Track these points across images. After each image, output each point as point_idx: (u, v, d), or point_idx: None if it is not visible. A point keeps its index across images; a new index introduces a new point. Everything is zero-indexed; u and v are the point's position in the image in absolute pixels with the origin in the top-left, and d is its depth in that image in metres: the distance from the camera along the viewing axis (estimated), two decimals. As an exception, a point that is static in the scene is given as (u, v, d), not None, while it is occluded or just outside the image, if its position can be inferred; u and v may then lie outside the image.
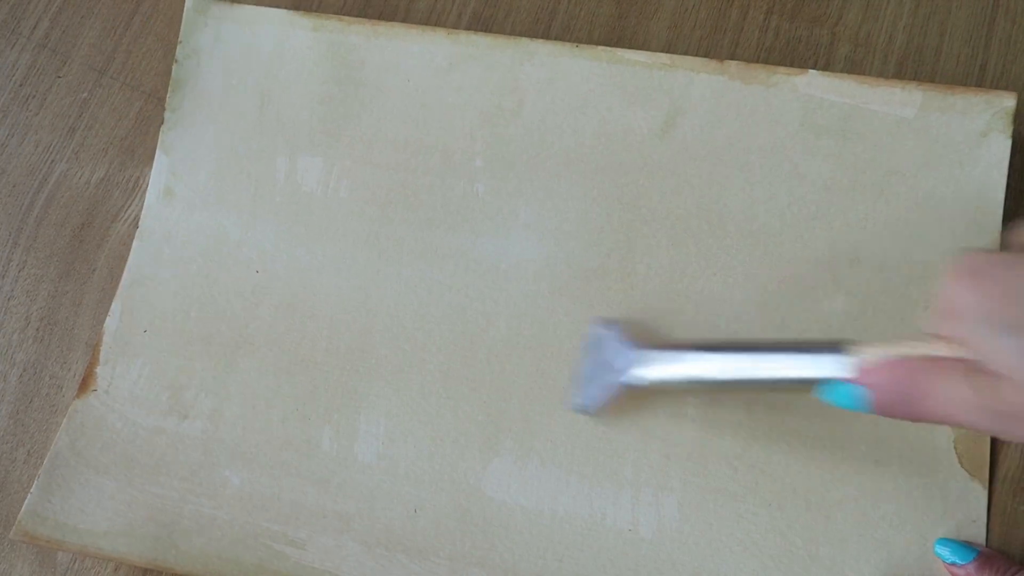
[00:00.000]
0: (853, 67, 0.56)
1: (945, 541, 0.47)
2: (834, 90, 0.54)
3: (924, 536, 0.48)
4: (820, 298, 0.51)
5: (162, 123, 0.60)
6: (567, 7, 0.60)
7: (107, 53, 0.64)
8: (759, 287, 0.52)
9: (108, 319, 0.57)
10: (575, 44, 0.58)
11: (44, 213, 0.60)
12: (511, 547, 0.50)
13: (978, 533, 0.48)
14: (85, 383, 0.56)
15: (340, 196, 0.57)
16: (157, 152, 0.60)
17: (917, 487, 0.49)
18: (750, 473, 0.50)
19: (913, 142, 0.52)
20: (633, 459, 0.51)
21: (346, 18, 0.60)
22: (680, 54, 0.57)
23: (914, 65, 0.56)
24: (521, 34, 0.59)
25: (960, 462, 0.49)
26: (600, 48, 0.57)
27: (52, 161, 0.62)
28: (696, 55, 0.57)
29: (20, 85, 0.63)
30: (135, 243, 0.58)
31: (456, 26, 0.60)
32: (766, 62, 0.57)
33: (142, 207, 0.59)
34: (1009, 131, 0.51)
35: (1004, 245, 0.38)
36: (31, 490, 0.53)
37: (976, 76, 0.55)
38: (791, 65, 0.56)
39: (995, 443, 0.49)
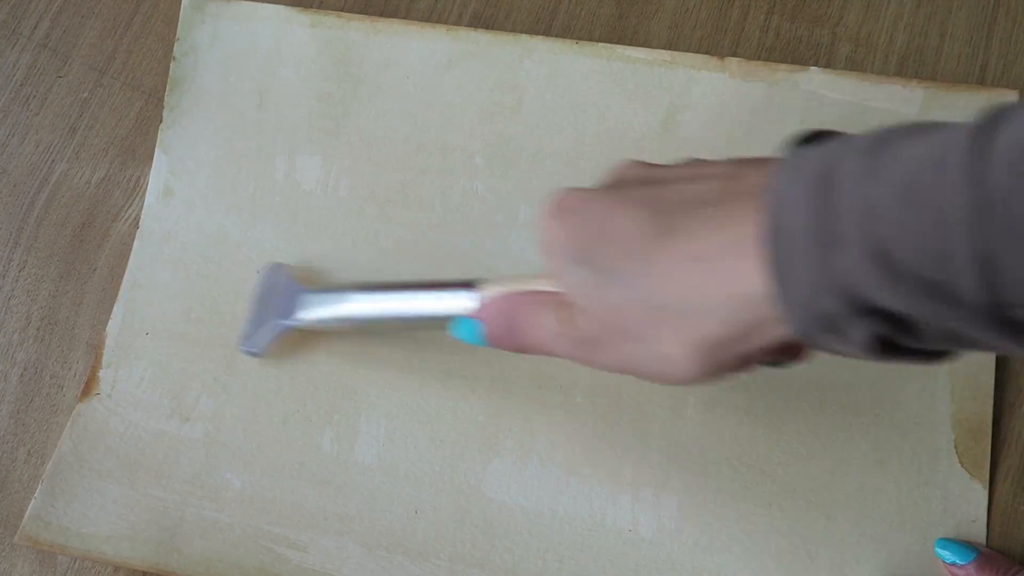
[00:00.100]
0: (854, 67, 0.56)
1: (945, 541, 0.47)
2: (836, 88, 0.54)
3: (924, 536, 0.48)
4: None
5: (160, 122, 0.60)
6: (568, 7, 0.60)
7: (107, 53, 0.63)
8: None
9: (110, 322, 0.57)
10: (575, 41, 0.57)
11: (45, 213, 0.60)
12: (511, 548, 0.50)
13: (978, 533, 0.48)
14: (88, 387, 0.56)
15: (339, 195, 0.57)
16: (156, 151, 0.60)
17: (917, 487, 0.49)
18: (750, 473, 0.50)
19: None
20: (633, 459, 0.51)
21: (345, 14, 0.60)
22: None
23: (915, 65, 0.56)
24: (521, 33, 0.59)
25: (960, 462, 0.49)
26: (600, 45, 0.57)
27: (53, 161, 0.62)
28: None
29: (20, 85, 0.63)
30: (136, 243, 0.58)
31: (456, 25, 0.60)
32: (767, 61, 0.57)
33: (142, 207, 0.59)
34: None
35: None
36: (35, 495, 0.54)
37: (977, 76, 0.55)
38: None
39: (996, 443, 0.49)
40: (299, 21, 0.60)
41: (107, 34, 0.64)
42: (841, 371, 0.51)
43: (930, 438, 0.50)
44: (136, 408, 0.55)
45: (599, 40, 0.59)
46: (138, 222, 0.59)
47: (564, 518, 0.50)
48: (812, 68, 0.55)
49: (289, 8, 0.61)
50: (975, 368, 0.50)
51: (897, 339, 0.30)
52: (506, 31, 0.59)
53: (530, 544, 0.50)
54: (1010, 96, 0.52)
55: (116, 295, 0.57)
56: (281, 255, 0.56)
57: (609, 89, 0.56)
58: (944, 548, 0.47)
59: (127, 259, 0.58)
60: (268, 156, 0.58)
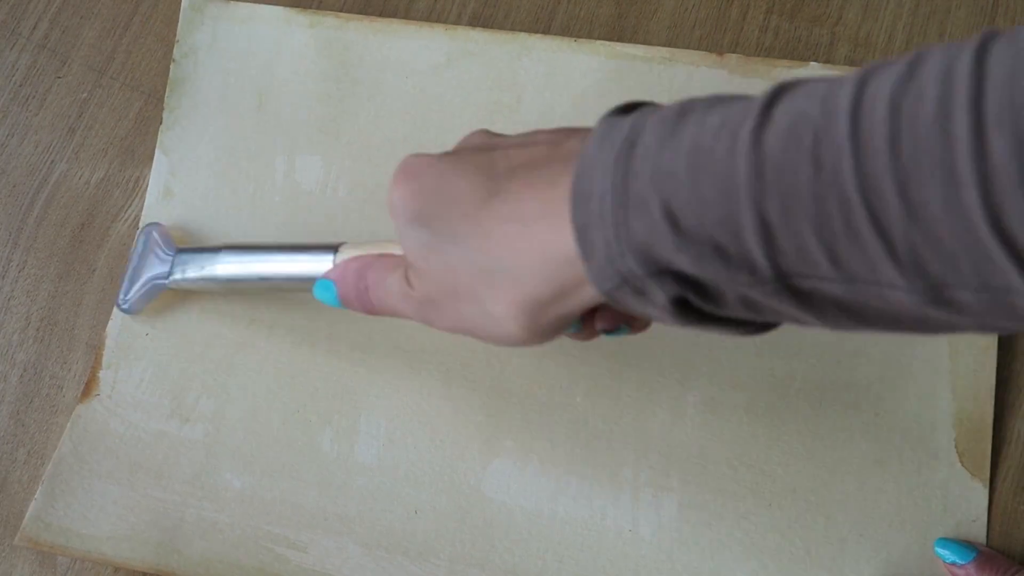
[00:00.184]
0: (853, 66, 0.56)
1: (945, 541, 0.47)
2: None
3: (924, 535, 0.48)
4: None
5: (160, 123, 0.60)
6: (567, 7, 0.60)
7: (107, 53, 0.63)
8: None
9: (110, 323, 0.57)
10: (574, 39, 0.57)
11: (44, 213, 0.60)
12: (511, 548, 0.50)
13: (978, 532, 0.48)
14: (88, 388, 0.56)
15: (339, 195, 0.57)
16: (156, 152, 0.60)
17: (917, 486, 0.49)
18: (750, 473, 0.50)
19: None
20: (633, 460, 0.51)
21: (343, 15, 0.60)
22: (678, 50, 0.57)
23: (914, 64, 0.56)
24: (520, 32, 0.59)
25: (961, 461, 0.49)
26: (599, 43, 0.57)
27: (52, 161, 0.62)
28: (696, 54, 0.57)
29: (20, 85, 0.63)
30: (136, 245, 0.58)
31: (455, 25, 0.60)
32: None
33: (142, 207, 0.59)
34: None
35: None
36: (35, 496, 0.54)
37: (976, 75, 0.55)
38: (791, 64, 0.57)
39: (996, 442, 0.49)
40: (298, 22, 0.60)
41: (106, 34, 0.64)
42: (841, 371, 0.51)
43: (930, 438, 0.50)
44: (136, 409, 0.55)
45: (599, 39, 0.59)
46: (138, 222, 0.59)
47: (564, 518, 0.50)
48: (812, 63, 0.55)
49: (288, 9, 0.61)
50: (976, 368, 0.50)
51: (699, 304, 0.31)
52: (505, 30, 0.59)
53: (530, 544, 0.50)
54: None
55: (116, 295, 0.57)
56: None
57: (608, 87, 0.56)
58: (944, 548, 0.47)
59: (127, 259, 0.58)
60: (268, 157, 0.58)
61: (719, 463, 0.50)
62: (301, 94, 0.59)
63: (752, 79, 0.55)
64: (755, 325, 0.33)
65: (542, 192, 0.34)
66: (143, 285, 0.54)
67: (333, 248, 0.46)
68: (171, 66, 0.61)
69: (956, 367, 0.50)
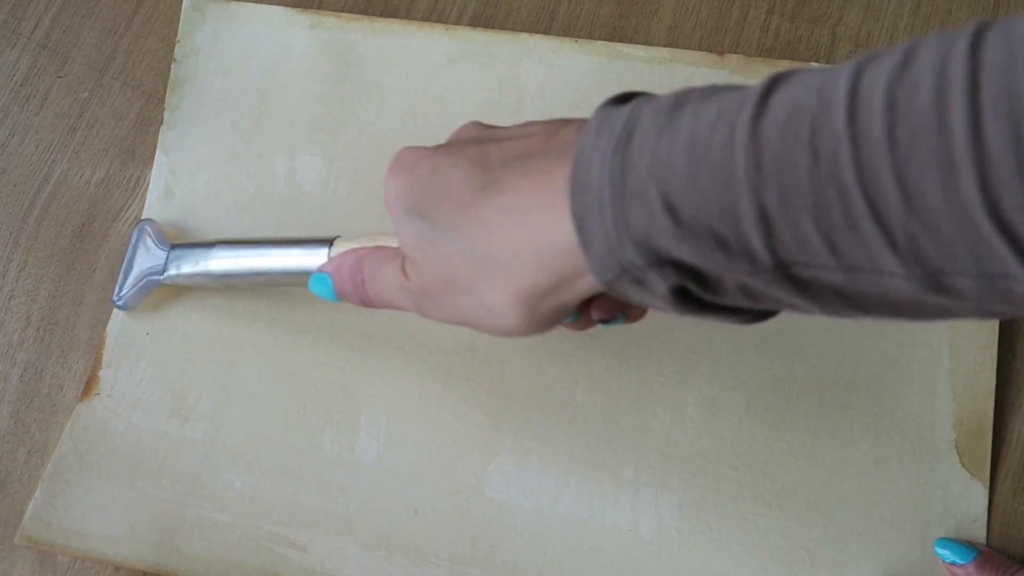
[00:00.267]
0: (853, 67, 0.56)
1: (945, 541, 0.47)
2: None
3: (924, 536, 0.48)
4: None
5: (161, 123, 0.60)
6: (567, 7, 0.60)
7: (107, 53, 0.63)
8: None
9: (110, 322, 0.57)
10: (574, 39, 0.57)
11: (45, 213, 0.60)
12: (511, 547, 0.50)
13: (978, 533, 0.48)
14: (88, 387, 0.56)
15: (339, 195, 0.57)
16: (157, 152, 0.60)
17: (917, 487, 0.49)
18: (750, 473, 0.50)
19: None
20: (633, 459, 0.51)
21: (344, 15, 0.60)
22: (679, 51, 0.57)
23: (915, 65, 0.56)
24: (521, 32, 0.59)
25: (961, 461, 0.49)
26: (599, 43, 0.57)
27: (53, 161, 0.62)
28: (696, 54, 0.57)
29: (20, 85, 0.63)
30: (136, 245, 0.58)
31: (456, 25, 0.60)
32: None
33: (142, 207, 0.59)
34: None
35: None
36: (35, 495, 0.54)
37: (977, 76, 0.55)
38: (791, 65, 0.57)
39: (996, 443, 0.49)
40: (299, 22, 0.60)
41: (107, 34, 0.64)
42: (841, 370, 0.51)
43: (930, 438, 0.50)
44: (136, 408, 0.55)
45: (599, 40, 0.59)
46: (138, 222, 0.59)
47: (564, 518, 0.50)
48: (812, 64, 0.55)
49: (289, 9, 0.61)
50: (976, 368, 0.50)
51: (697, 292, 0.31)
52: (506, 31, 0.59)
53: (530, 544, 0.50)
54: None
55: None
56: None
57: (609, 87, 0.56)
58: (944, 547, 0.47)
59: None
60: (268, 157, 0.58)
61: (719, 463, 0.50)
62: (302, 94, 0.59)
63: (753, 79, 0.55)
64: (753, 313, 0.33)
65: (538, 183, 0.34)
66: (137, 281, 0.55)
67: (328, 242, 0.46)
68: (172, 66, 0.61)
69: (956, 367, 0.50)
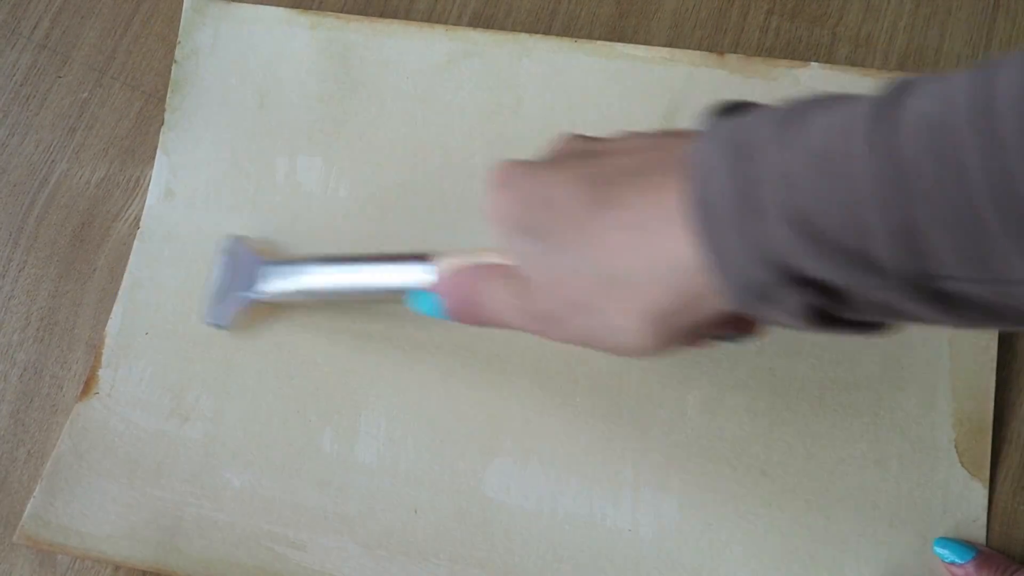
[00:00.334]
0: (854, 67, 0.56)
1: (944, 540, 0.47)
2: (836, 83, 0.54)
3: (924, 536, 0.48)
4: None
5: (162, 124, 0.60)
6: (567, 7, 0.60)
7: (107, 53, 0.63)
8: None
9: (110, 322, 0.57)
10: (574, 40, 0.57)
11: (44, 213, 0.60)
12: (511, 548, 0.50)
13: (978, 533, 0.48)
14: (87, 386, 0.56)
15: (339, 195, 0.57)
16: (158, 152, 0.60)
17: (917, 487, 0.49)
18: (750, 473, 0.50)
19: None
20: (633, 459, 0.51)
21: (344, 16, 0.60)
22: (680, 51, 0.57)
23: (914, 65, 0.56)
24: (521, 32, 0.59)
25: (961, 462, 0.49)
26: (599, 43, 0.57)
27: (52, 161, 0.62)
28: (696, 54, 0.57)
29: (20, 85, 0.63)
30: (136, 244, 0.58)
31: (456, 25, 0.60)
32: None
33: (142, 207, 0.59)
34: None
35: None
36: (34, 494, 0.54)
37: (976, 76, 0.55)
38: (792, 65, 0.56)
39: (996, 443, 0.49)
40: (299, 23, 0.60)
41: (107, 34, 0.64)
42: (841, 371, 0.51)
43: (930, 438, 0.50)
44: (136, 407, 0.55)
45: (599, 40, 0.59)
46: (138, 222, 0.59)
47: (564, 518, 0.50)
48: (812, 64, 0.55)
49: (289, 10, 0.61)
50: (976, 368, 0.50)
51: (832, 309, 0.30)
52: (505, 31, 0.59)
53: (530, 544, 0.50)
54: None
55: (116, 295, 0.57)
56: (280, 256, 0.56)
57: (609, 87, 0.56)
58: (943, 547, 0.47)
59: (127, 259, 0.58)
60: (269, 157, 0.58)
61: (720, 463, 0.50)
62: (302, 95, 0.59)
63: (752, 79, 0.55)
64: (876, 325, 0.32)
65: (654, 199, 0.33)
66: (231, 299, 0.54)
67: (424, 257, 0.45)
68: (173, 67, 0.61)
69: (956, 367, 0.50)
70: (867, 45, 0.57)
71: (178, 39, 0.61)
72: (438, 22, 0.60)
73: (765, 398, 0.51)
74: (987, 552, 0.47)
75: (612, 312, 0.34)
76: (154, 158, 0.60)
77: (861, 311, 0.30)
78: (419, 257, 0.45)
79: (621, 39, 0.59)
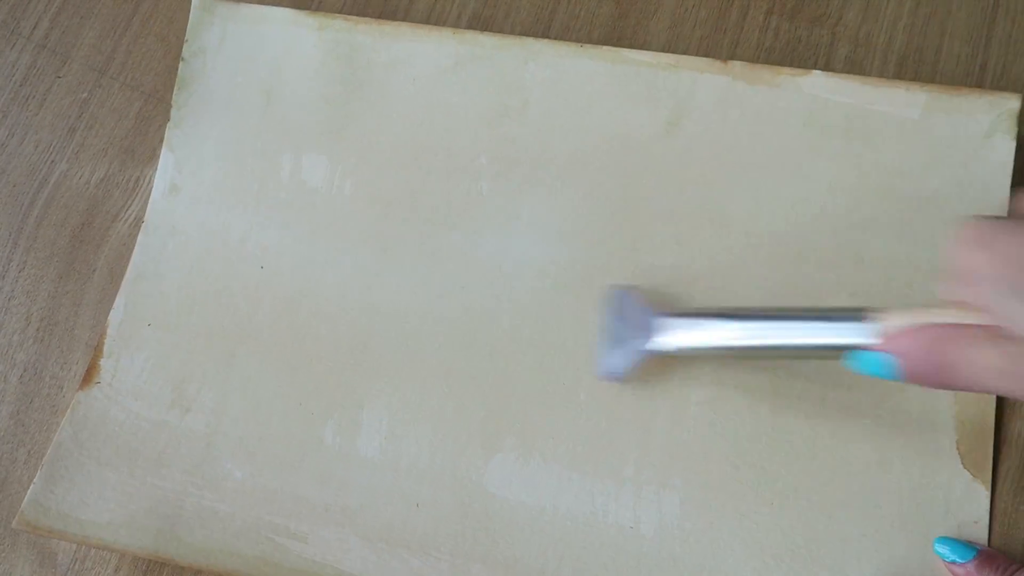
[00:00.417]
0: (853, 67, 0.56)
1: (944, 539, 0.47)
2: (838, 91, 0.54)
3: (926, 537, 0.48)
4: (824, 299, 0.51)
5: (168, 120, 0.60)
6: (567, 7, 0.60)
7: (107, 53, 0.64)
8: (763, 288, 0.52)
9: (112, 312, 0.57)
10: (580, 44, 0.58)
11: (44, 213, 0.60)
12: (512, 543, 0.50)
13: (980, 534, 0.48)
14: (88, 375, 0.55)
15: (344, 194, 0.57)
16: (163, 149, 0.60)
17: (919, 487, 0.49)
18: (752, 472, 0.50)
19: (918, 143, 0.53)
20: (635, 457, 0.51)
21: (352, 18, 0.60)
22: (680, 54, 0.57)
23: (914, 65, 0.56)
24: (521, 34, 0.59)
25: (963, 463, 0.49)
26: (605, 48, 0.57)
27: (52, 161, 0.62)
28: (696, 55, 0.57)
29: (20, 85, 0.63)
30: (140, 237, 0.58)
31: (456, 26, 0.60)
32: (766, 62, 0.57)
33: (143, 207, 0.59)
34: (1014, 132, 0.51)
35: (1010, 212, 0.38)
36: (34, 480, 0.53)
37: (976, 76, 0.55)
38: (791, 65, 0.57)
39: (998, 444, 0.49)
40: (307, 24, 0.61)
41: (107, 34, 0.64)
42: (843, 372, 0.51)
43: (932, 439, 0.49)
44: (136, 398, 0.55)
45: (598, 40, 0.59)
46: (138, 222, 0.59)
47: (566, 514, 0.50)
48: (815, 72, 0.55)
49: (297, 11, 0.61)
50: (977, 367, 0.50)
51: None
52: (505, 31, 0.59)
53: (531, 540, 0.50)
54: (1013, 101, 0.52)
55: (115, 296, 0.57)
56: (283, 252, 0.57)
57: (613, 92, 0.56)
58: (943, 546, 0.47)
59: (127, 260, 0.58)
60: (273, 155, 0.59)
61: (721, 462, 0.50)
62: (308, 95, 0.59)
63: (756, 86, 0.55)
64: None
65: None
66: (629, 352, 0.51)
67: (858, 313, 0.42)
68: (180, 65, 0.61)
69: (958, 366, 0.50)
70: (867, 45, 0.57)
71: (186, 37, 0.61)
72: (438, 22, 0.61)
73: (767, 398, 0.51)
74: (988, 551, 0.47)
75: None
76: (154, 158, 0.60)
77: None
78: (852, 313, 0.43)
79: (620, 39, 0.59)
